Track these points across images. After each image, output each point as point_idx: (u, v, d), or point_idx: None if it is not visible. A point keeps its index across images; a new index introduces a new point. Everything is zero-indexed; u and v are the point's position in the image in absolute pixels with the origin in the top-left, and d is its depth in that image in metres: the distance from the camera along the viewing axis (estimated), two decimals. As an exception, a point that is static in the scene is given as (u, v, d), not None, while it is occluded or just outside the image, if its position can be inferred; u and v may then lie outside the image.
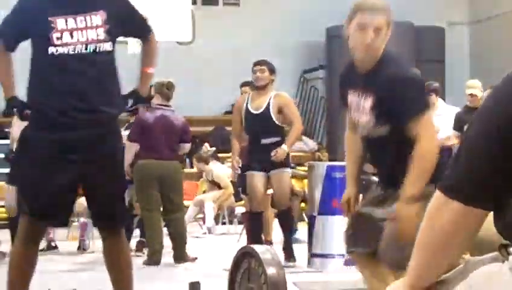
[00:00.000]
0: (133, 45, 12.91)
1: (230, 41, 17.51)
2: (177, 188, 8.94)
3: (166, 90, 8.99)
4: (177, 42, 13.88)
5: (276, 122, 8.27)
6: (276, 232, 9.14)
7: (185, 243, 8.95)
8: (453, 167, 1.82)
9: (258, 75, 8.36)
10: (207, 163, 12.64)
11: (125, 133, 9.73)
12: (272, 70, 8.43)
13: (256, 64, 8.48)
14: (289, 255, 8.38)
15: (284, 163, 8.28)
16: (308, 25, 17.98)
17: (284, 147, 8.15)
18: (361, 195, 4.32)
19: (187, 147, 9.35)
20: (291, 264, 8.24)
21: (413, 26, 17.19)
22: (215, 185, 12.51)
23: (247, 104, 8.37)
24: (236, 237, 10.93)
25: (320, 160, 14.85)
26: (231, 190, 12.27)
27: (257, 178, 8.22)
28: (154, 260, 8.66)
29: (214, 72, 17.36)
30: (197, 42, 13.84)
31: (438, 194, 1.83)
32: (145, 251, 9.13)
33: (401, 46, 16.73)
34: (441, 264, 1.87)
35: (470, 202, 1.78)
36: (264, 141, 8.22)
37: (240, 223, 12.32)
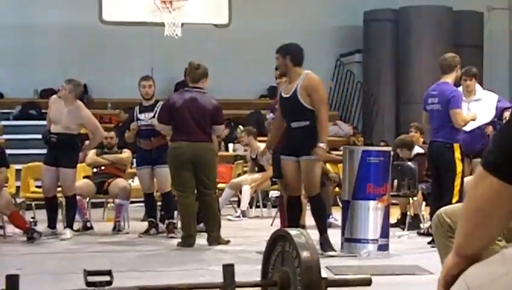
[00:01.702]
0: (169, 27, 12.95)
1: (267, 24, 17.47)
2: (210, 170, 8.92)
3: (196, 72, 8.98)
4: (214, 25, 13.87)
5: (305, 104, 7.80)
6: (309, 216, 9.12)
7: (219, 225, 8.98)
8: (495, 142, 1.84)
9: (276, 64, 8.18)
10: (255, 138, 12.46)
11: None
12: (285, 53, 7.95)
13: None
14: (326, 247, 7.93)
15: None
16: (345, 9, 17.90)
17: (322, 145, 7.72)
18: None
19: (221, 128, 9.31)
20: (330, 253, 7.85)
21: (451, 11, 17.03)
22: (256, 165, 12.38)
23: (282, 89, 8.15)
24: (269, 221, 10.95)
25: (355, 144, 14.82)
26: (271, 172, 12.21)
27: (288, 163, 7.99)
28: (188, 242, 8.69)
29: (250, 55, 17.35)
30: (234, 25, 13.81)
31: (479, 167, 1.86)
32: (177, 232, 9.16)
33: (439, 30, 16.69)
34: (480, 235, 1.90)
35: (505, 178, 1.80)
36: (294, 125, 7.92)
37: (273, 206, 12.32)
